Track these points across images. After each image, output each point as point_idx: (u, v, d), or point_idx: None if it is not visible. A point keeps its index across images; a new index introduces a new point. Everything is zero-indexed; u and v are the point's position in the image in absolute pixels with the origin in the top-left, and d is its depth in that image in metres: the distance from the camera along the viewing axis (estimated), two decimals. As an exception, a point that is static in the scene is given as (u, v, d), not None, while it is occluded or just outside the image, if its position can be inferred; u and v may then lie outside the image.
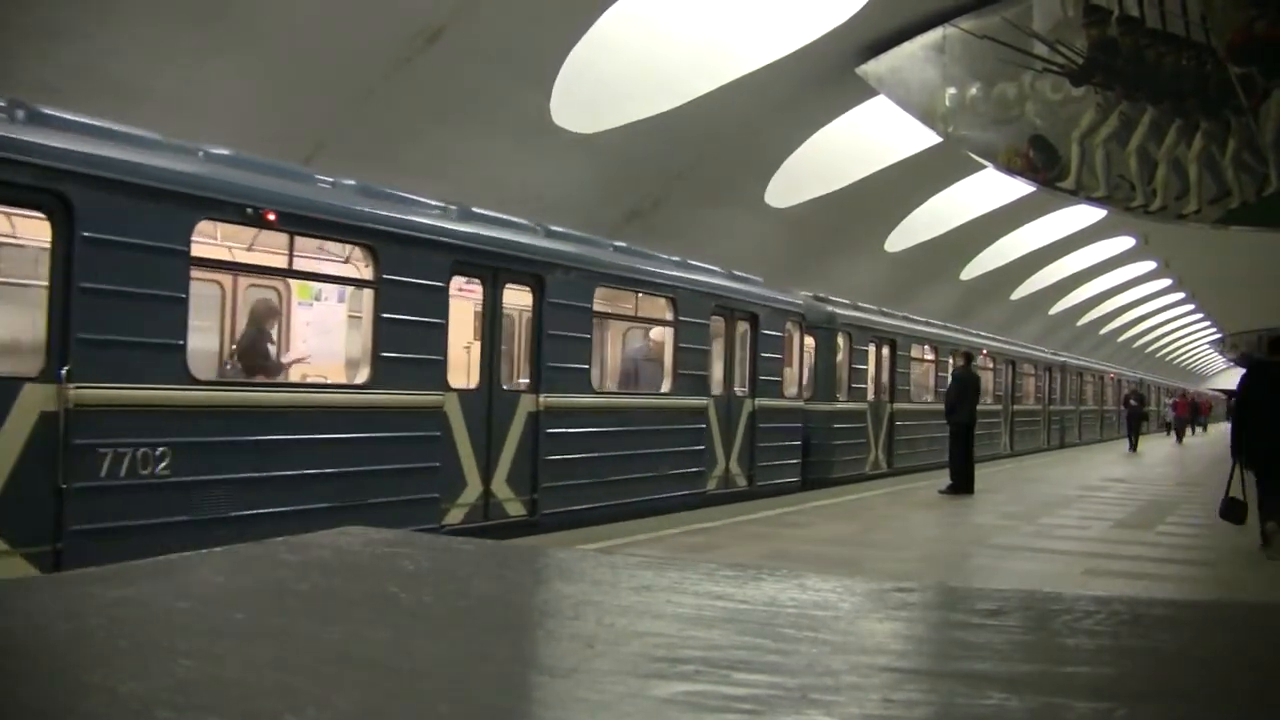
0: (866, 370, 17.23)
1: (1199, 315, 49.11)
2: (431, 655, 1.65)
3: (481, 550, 2.99)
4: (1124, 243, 28.99)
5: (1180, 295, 41.58)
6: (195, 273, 7.03)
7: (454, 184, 11.45)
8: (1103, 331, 44.39)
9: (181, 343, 6.79)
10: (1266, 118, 14.16)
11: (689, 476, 12.13)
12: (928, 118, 15.23)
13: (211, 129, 8.88)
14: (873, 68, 14.63)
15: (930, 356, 19.87)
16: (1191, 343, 61.97)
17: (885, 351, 18.21)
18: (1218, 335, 57.37)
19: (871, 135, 16.77)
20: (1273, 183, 14.43)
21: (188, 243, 6.88)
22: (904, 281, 23.51)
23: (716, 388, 12.81)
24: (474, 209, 9.61)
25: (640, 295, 11.89)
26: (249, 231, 8.12)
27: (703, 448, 12.41)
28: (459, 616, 1.95)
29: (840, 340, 16.09)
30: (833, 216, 18.70)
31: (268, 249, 8.28)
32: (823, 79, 14.54)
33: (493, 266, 9.39)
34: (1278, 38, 13.88)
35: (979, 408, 15.55)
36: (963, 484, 14.45)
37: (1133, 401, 30.55)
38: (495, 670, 1.58)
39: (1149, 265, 33.32)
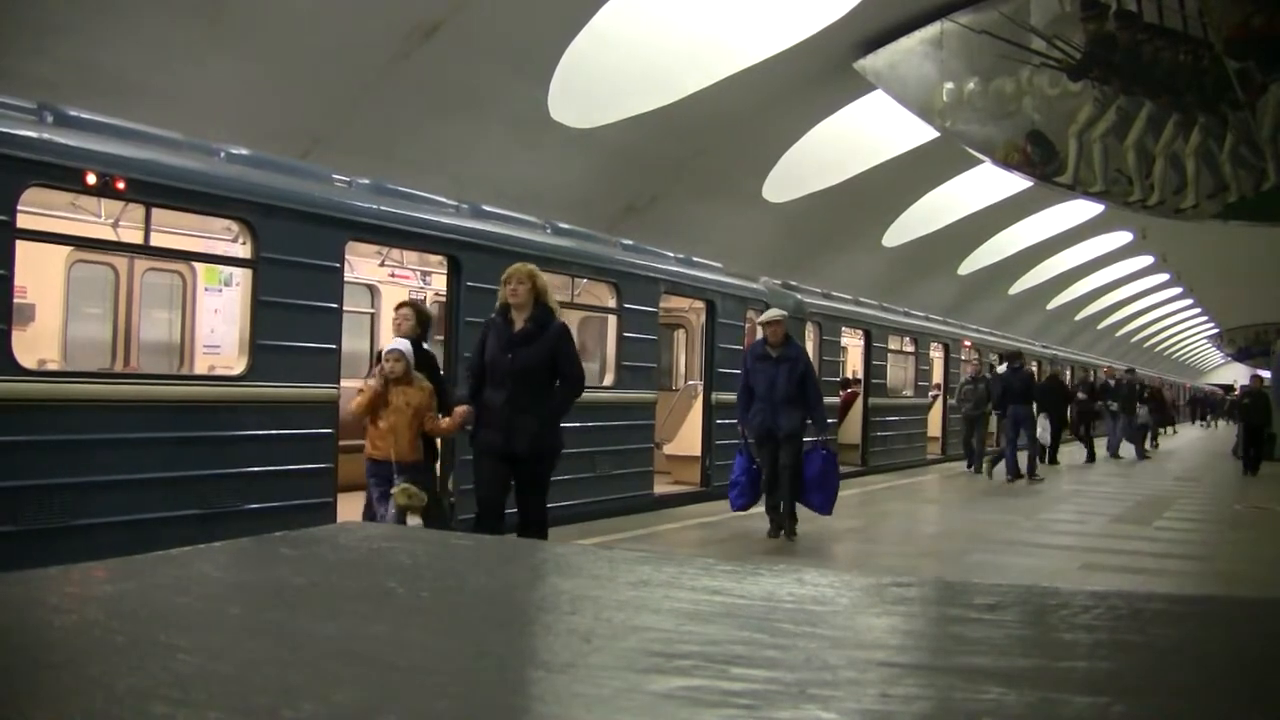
0: (837, 362, 16.91)
1: (1197, 310, 49.16)
2: (429, 650, 1.65)
3: (479, 545, 2.99)
4: (1122, 237, 29.00)
5: (1178, 290, 41.62)
6: (23, 246, 6.26)
7: (451, 179, 11.44)
8: (1101, 326, 44.44)
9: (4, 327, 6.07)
10: (1264, 112, 14.16)
11: (637, 477, 11.29)
12: (925, 113, 15.22)
13: (208, 125, 8.85)
14: (870, 62, 14.61)
15: (910, 348, 19.75)
16: (1189, 338, 62.05)
17: (859, 343, 18.05)
18: (1215, 330, 57.40)
19: (869, 130, 16.75)
20: (1270, 177, 14.44)
21: (12, 211, 6.09)
22: (902, 277, 23.52)
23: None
24: (387, 184, 8.92)
25: (579, 280, 10.98)
26: (115, 205, 7.53)
27: (651, 447, 11.65)
28: (456, 611, 1.95)
29: (808, 330, 15.32)
30: (830, 211, 18.68)
31: (165, 229, 7.51)
32: (820, 74, 14.53)
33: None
34: (1275, 32, 13.89)
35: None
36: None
37: (1080, 395, 23.50)
38: (493, 665, 1.59)
39: (1146, 260, 33.34)
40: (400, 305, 7.56)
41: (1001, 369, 18.00)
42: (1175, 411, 42.83)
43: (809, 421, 9.03)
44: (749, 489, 9.09)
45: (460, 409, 6.49)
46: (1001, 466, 16.01)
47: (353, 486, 8.33)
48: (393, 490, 6.48)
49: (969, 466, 17.28)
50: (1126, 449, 23.11)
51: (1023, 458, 16.11)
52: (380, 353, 7.32)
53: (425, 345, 7.49)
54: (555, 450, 6.43)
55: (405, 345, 6.82)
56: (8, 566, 2.88)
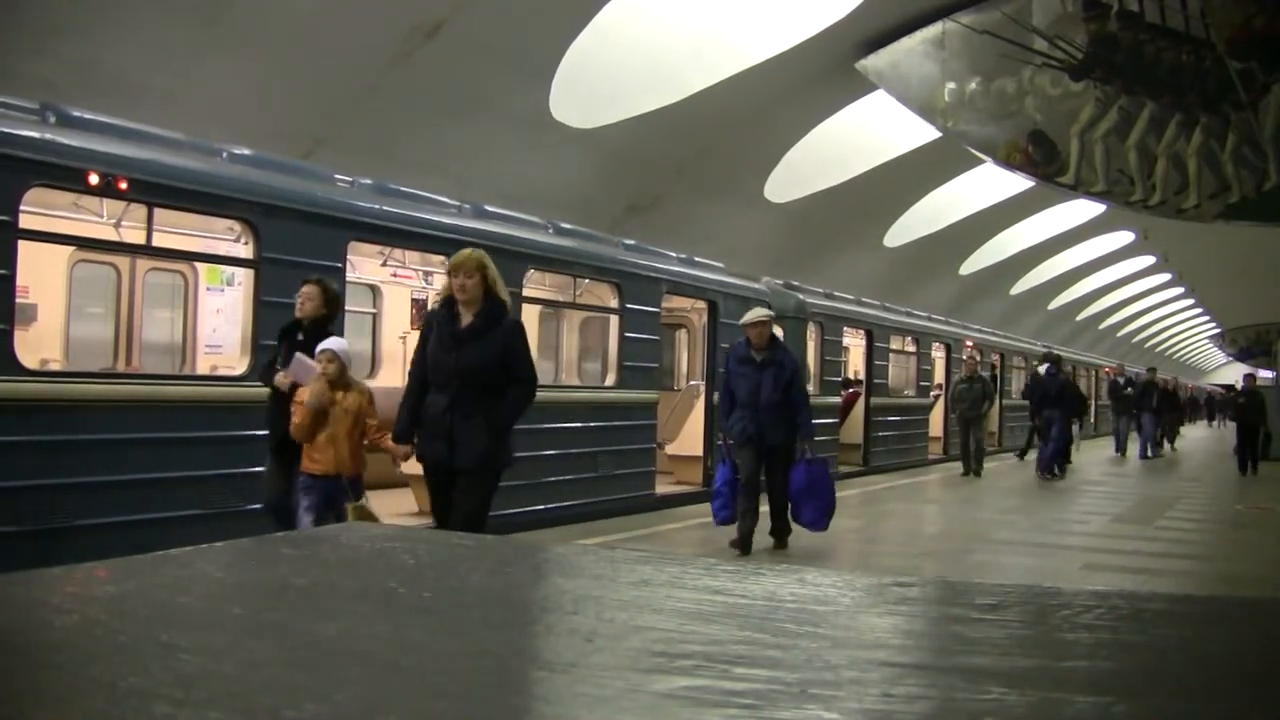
0: (839, 362, 16.93)
1: (1198, 310, 49.12)
2: (431, 650, 1.65)
3: (481, 545, 2.99)
4: (1123, 237, 28.99)
5: (1179, 290, 41.61)
6: (25, 246, 6.25)
7: (453, 179, 11.45)
8: (1102, 326, 44.39)
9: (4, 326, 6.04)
10: (1266, 112, 14.16)
11: (639, 477, 11.34)
12: (927, 113, 15.22)
13: (210, 125, 8.86)
14: (872, 62, 14.61)
15: (912, 348, 19.79)
16: (1191, 338, 61.99)
17: (861, 343, 18.12)
18: (1217, 330, 57.36)
19: (871, 130, 16.75)
20: (1272, 177, 14.43)
21: (14, 212, 6.08)
22: (903, 277, 23.51)
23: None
24: (389, 184, 8.83)
25: (580, 280, 11.03)
26: (117, 205, 7.59)
27: (653, 447, 11.67)
28: (458, 611, 1.95)
29: (810, 330, 15.27)
30: (832, 211, 18.68)
31: (167, 229, 7.49)
32: (823, 74, 14.53)
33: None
34: (1276, 33, 13.88)
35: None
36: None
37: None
38: (495, 665, 1.59)
39: (1148, 260, 33.32)
40: (304, 283, 6.56)
41: (1042, 369, 18.07)
42: (1186, 412, 42.71)
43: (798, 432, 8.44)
44: (732, 500, 8.47)
45: (401, 449, 5.77)
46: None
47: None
48: (348, 505, 5.84)
49: (964, 473, 16.96)
50: (1118, 448, 23.23)
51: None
52: (276, 355, 6.47)
53: (331, 330, 6.56)
54: (504, 466, 5.66)
55: (341, 344, 6.11)
56: (9, 567, 2.88)
